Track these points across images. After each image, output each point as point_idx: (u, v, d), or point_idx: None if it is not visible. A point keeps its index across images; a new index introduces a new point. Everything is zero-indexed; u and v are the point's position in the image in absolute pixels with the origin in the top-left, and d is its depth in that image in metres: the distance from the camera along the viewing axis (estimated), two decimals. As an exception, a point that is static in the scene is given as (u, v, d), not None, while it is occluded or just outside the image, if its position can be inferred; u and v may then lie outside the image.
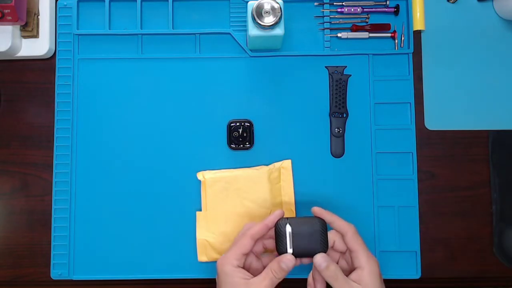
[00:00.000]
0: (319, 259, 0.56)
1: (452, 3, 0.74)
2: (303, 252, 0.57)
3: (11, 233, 0.71)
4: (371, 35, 0.72)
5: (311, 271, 0.59)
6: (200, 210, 0.70)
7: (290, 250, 0.57)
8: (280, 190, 0.70)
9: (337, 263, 0.59)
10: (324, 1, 0.73)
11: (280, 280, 0.56)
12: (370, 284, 0.55)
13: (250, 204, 0.69)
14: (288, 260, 0.56)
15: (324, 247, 0.57)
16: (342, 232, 0.58)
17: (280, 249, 0.58)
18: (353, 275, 0.56)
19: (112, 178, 0.71)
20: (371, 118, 0.71)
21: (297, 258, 0.57)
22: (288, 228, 0.57)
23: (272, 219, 0.59)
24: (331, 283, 0.56)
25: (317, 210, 0.59)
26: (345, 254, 0.59)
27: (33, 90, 0.73)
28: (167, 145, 0.71)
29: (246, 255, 0.58)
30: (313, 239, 0.57)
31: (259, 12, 0.63)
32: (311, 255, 0.57)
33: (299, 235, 0.57)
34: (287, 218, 0.59)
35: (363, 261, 0.56)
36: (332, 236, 0.58)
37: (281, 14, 0.63)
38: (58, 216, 0.70)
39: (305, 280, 0.69)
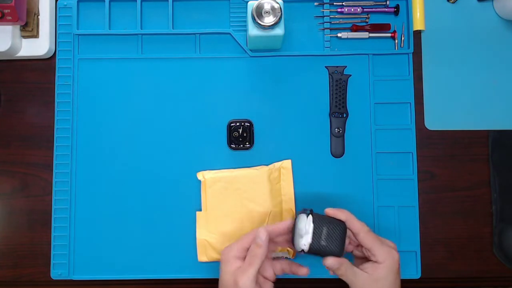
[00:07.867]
0: (331, 262, 0.56)
1: (452, 3, 0.74)
2: (318, 250, 0.57)
3: (11, 233, 0.71)
4: (371, 35, 0.72)
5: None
6: (200, 210, 0.70)
7: (305, 246, 0.56)
8: (280, 190, 0.70)
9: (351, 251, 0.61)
10: (324, 1, 0.73)
11: (260, 261, 0.56)
12: (385, 278, 0.56)
13: (250, 204, 0.69)
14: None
15: (341, 251, 0.57)
16: (354, 231, 0.58)
17: (296, 243, 0.57)
18: (368, 267, 0.57)
19: (112, 178, 0.71)
20: (371, 118, 0.71)
21: (298, 253, 0.58)
22: (310, 221, 0.57)
23: (272, 228, 0.58)
24: (341, 277, 0.57)
25: (330, 212, 0.59)
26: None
27: (33, 90, 0.73)
28: (167, 145, 0.71)
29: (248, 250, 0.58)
30: (331, 240, 0.57)
31: (259, 12, 0.63)
32: (325, 255, 0.57)
33: (319, 233, 0.57)
34: (309, 210, 0.58)
35: (380, 257, 0.56)
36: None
37: (281, 14, 0.63)
38: (58, 216, 0.70)
39: (306, 280, 0.69)
